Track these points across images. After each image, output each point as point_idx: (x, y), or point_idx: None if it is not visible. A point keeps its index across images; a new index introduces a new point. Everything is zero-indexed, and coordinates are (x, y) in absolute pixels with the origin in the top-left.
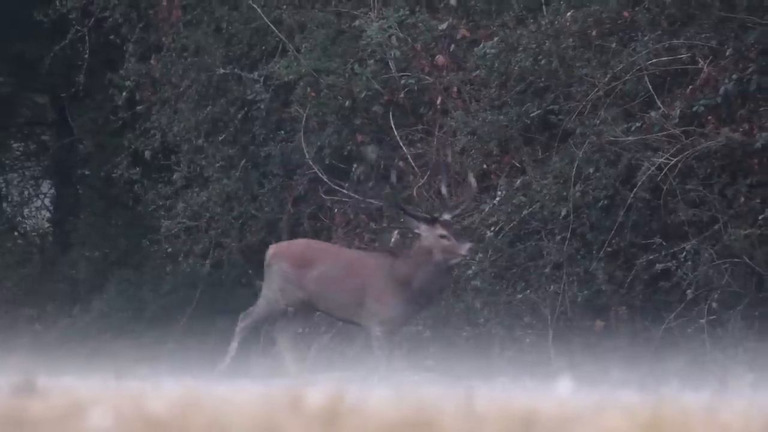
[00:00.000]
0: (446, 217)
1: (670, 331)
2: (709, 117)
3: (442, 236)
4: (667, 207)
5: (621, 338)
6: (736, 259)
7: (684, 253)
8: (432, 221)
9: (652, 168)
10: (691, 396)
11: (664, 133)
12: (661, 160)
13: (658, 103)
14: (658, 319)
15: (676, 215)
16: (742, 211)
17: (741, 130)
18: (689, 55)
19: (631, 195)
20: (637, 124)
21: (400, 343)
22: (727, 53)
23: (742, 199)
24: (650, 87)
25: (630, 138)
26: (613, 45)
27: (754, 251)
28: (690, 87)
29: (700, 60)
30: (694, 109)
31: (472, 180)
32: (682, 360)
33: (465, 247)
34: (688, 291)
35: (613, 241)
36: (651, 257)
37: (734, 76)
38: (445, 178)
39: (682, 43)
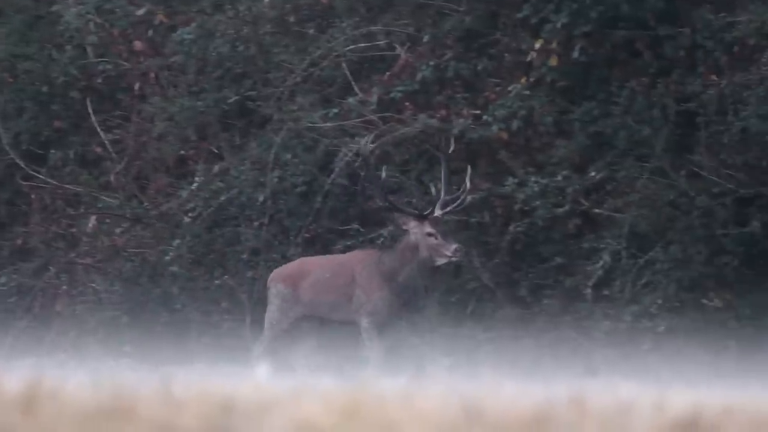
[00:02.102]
0: (437, 213)
1: None
2: (407, 103)
3: (430, 234)
4: (365, 193)
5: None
6: None
7: (381, 240)
8: (421, 218)
9: (350, 154)
10: (388, 381)
11: (362, 119)
12: (359, 146)
13: (356, 90)
14: None
15: (373, 201)
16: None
17: (438, 116)
18: (387, 41)
19: (329, 181)
20: (335, 111)
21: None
22: (425, 40)
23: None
24: (348, 73)
25: (328, 124)
26: (311, 31)
27: None
28: (388, 73)
29: (397, 46)
30: (392, 95)
31: (468, 177)
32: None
33: (451, 248)
34: None
35: (311, 227)
36: (348, 243)
37: (432, 63)
38: (445, 172)
39: (380, 29)
